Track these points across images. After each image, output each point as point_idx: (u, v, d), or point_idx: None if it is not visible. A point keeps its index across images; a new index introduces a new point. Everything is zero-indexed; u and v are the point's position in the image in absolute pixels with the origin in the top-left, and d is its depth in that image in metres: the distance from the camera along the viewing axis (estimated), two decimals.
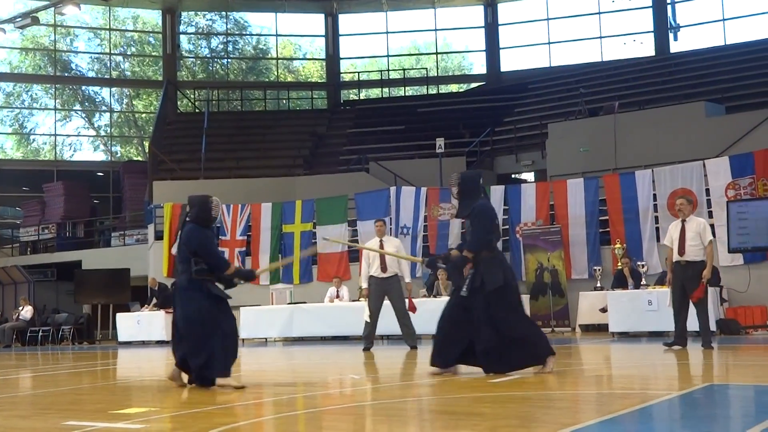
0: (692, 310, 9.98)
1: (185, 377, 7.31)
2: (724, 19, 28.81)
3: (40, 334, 20.45)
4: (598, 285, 14.71)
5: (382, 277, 11.77)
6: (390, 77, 33.67)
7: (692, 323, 10.08)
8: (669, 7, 29.80)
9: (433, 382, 7.09)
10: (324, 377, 8.61)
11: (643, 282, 13.49)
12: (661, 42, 29.49)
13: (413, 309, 11.96)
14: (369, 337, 11.98)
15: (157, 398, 6.88)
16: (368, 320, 11.92)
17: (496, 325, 7.16)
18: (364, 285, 12.03)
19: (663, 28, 29.55)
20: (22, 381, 9.91)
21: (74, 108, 33.85)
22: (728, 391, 6.23)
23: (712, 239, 9.90)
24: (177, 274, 7.43)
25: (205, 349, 7.02)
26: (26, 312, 20.92)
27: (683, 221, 9.95)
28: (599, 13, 30.83)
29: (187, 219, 7.39)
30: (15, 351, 18.47)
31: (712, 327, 12.13)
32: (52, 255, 25.51)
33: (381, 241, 12.09)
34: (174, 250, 7.65)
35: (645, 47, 30.02)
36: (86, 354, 15.91)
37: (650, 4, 29.93)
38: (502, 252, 7.92)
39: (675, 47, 29.51)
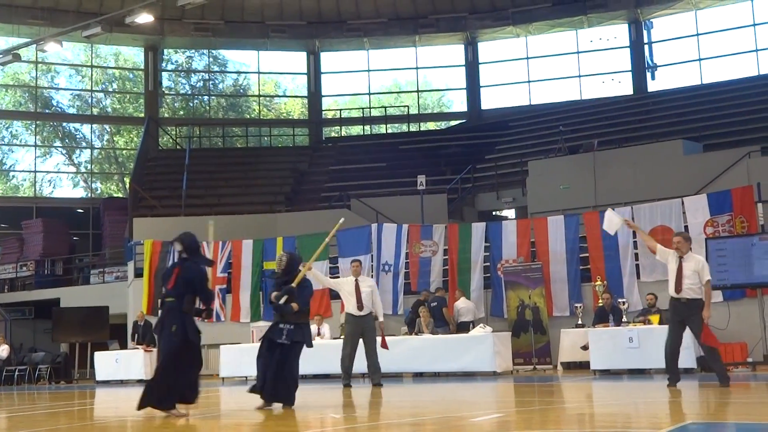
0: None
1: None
2: (700, 59, 29.30)
3: (17, 373, 20.15)
4: (580, 322, 14.71)
5: (359, 315, 11.99)
6: (371, 114, 33.86)
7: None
8: (646, 47, 30.29)
9: (412, 422, 7.02)
10: (305, 417, 8.53)
11: (624, 319, 13.52)
12: (639, 81, 29.93)
13: (386, 346, 12.23)
14: (347, 373, 12.12)
15: None
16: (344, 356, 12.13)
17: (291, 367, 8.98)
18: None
19: (641, 67, 30.01)
20: None
21: (54, 144, 33.74)
22: (709, 429, 6.23)
23: (709, 278, 9.72)
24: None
25: None
26: (2, 351, 20.62)
27: (681, 258, 9.78)
28: (578, 52, 31.28)
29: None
30: None
31: (693, 365, 12.18)
32: (30, 293, 25.22)
33: (356, 280, 12.24)
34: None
35: (623, 86, 30.49)
36: (63, 393, 15.68)
37: (628, 44, 30.41)
38: None
39: (652, 86, 29.98)
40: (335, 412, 8.73)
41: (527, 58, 31.92)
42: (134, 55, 34.19)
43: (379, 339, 12.18)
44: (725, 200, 14.85)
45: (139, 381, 17.15)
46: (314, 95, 33.57)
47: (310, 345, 9.23)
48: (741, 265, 13.20)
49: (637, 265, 15.39)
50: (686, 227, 14.97)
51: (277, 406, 8.78)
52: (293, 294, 9.01)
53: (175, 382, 8.06)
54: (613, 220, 10.94)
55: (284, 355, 8.90)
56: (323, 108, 34.24)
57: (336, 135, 34.05)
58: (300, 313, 9.01)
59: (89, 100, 33.45)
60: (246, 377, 16.22)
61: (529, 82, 31.88)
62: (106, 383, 17.72)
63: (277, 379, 8.81)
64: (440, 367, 14.32)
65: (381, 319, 12.26)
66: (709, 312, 9.62)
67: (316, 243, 18.42)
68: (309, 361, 15.02)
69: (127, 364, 17.66)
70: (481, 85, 32.46)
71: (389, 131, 33.58)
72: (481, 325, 14.59)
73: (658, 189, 18.47)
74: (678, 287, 9.70)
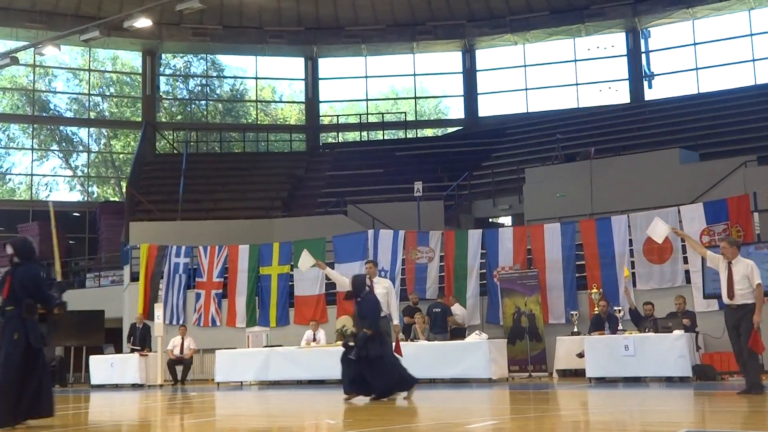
0: None
1: None
2: (697, 68, 29.40)
3: None
4: (575, 330, 14.72)
5: None
6: (369, 121, 33.93)
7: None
8: (644, 56, 30.37)
9: (407, 428, 7.02)
10: (300, 422, 8.52)
11: (620, 327, 13.53)
12: (636, 90, 30.00)
13: (399, 352, 11.99)
14: None
15: None
16: None
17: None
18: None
19: (638, 76, 30.10)
20: None
21: (51, 148, 33.72)
22: None
23: (760, 282, 9.50)
24: None
25: None
26: None
27: (729, 263, 9.63)
28: (575, 60, 31.35)
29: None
30: None
31: (688, 373, 12.18)
32: None
33: (371, 281, 11.94)
34: None
35: (620, 95, 30.57)
36: (58, 398, 15.58)
37: (625, 53, 30.50)
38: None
39: (649, 95, 30.07)
40: (331, 417, 8.72)
41: (525, 65, 32.00)
42: (132, 60, 34.21)
43: (392, 344, 12.01)
44: (721, 209, 14.87)
45: (134, 385, 17.14)
46: (311, 101, 33.61)
47: (377, 352, 10.41)
48: None
49: (633, 274, 15.40)
50: None
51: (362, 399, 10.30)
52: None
53: (21, 394, 7.75)
54: (659, 228, 10.71)
55: (361, 366, 10.38)
56: (320, 114, 34.29)
57: (333, 141, 34.08)
58: (372, 326, 10.43)
59: (86, 104, 33.45)
60: (241, 382, 16.20)
61: (526, 89, 31.94)
62: (101, 387, 17.67)
63: (369, 379, 10.44)
64: (435, 373, 14.30)
65: (396, 322, 11.80)
66: (760, 316, 9.42)
67: (312, 249, 18.41)
68: (305, 367, 15.17)
69: (122, 369, 17.61)
70: (478, 92, 32.52)
71: (386, 137, 33.63)
72: (477, 332, 14.59)
73: (654, 198, 18.48)
74: (730, 293, 9.55)
